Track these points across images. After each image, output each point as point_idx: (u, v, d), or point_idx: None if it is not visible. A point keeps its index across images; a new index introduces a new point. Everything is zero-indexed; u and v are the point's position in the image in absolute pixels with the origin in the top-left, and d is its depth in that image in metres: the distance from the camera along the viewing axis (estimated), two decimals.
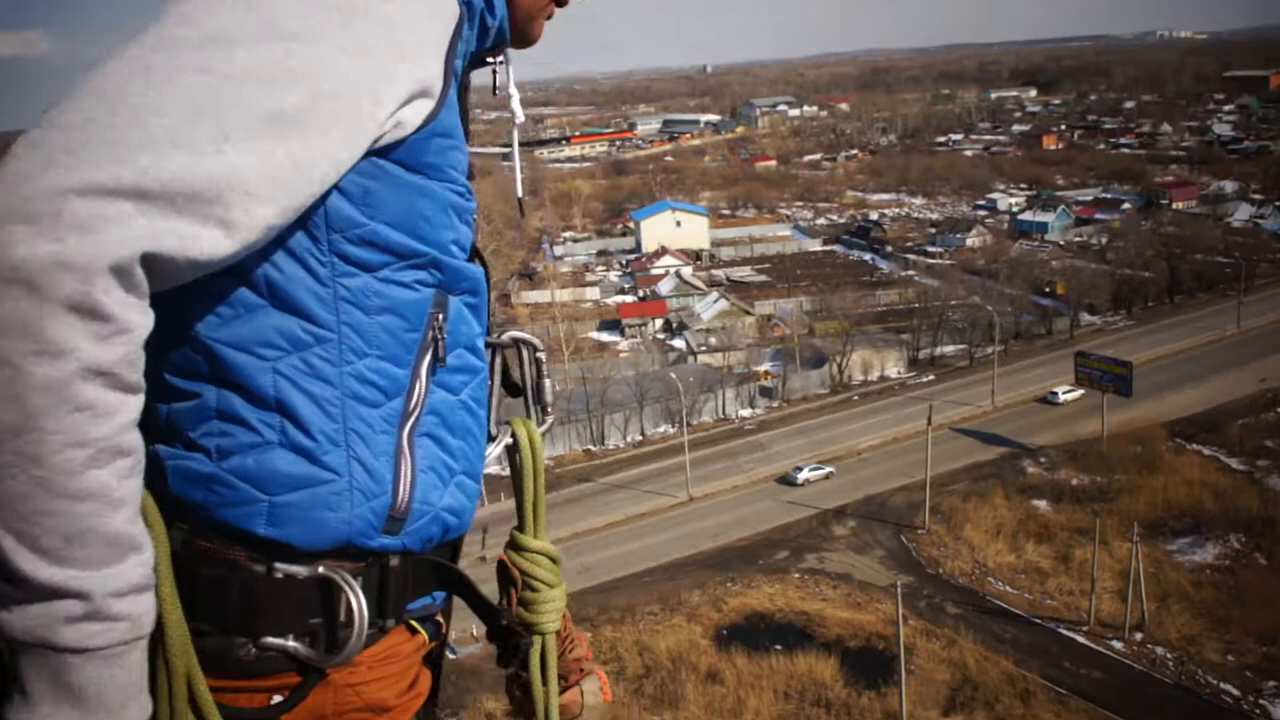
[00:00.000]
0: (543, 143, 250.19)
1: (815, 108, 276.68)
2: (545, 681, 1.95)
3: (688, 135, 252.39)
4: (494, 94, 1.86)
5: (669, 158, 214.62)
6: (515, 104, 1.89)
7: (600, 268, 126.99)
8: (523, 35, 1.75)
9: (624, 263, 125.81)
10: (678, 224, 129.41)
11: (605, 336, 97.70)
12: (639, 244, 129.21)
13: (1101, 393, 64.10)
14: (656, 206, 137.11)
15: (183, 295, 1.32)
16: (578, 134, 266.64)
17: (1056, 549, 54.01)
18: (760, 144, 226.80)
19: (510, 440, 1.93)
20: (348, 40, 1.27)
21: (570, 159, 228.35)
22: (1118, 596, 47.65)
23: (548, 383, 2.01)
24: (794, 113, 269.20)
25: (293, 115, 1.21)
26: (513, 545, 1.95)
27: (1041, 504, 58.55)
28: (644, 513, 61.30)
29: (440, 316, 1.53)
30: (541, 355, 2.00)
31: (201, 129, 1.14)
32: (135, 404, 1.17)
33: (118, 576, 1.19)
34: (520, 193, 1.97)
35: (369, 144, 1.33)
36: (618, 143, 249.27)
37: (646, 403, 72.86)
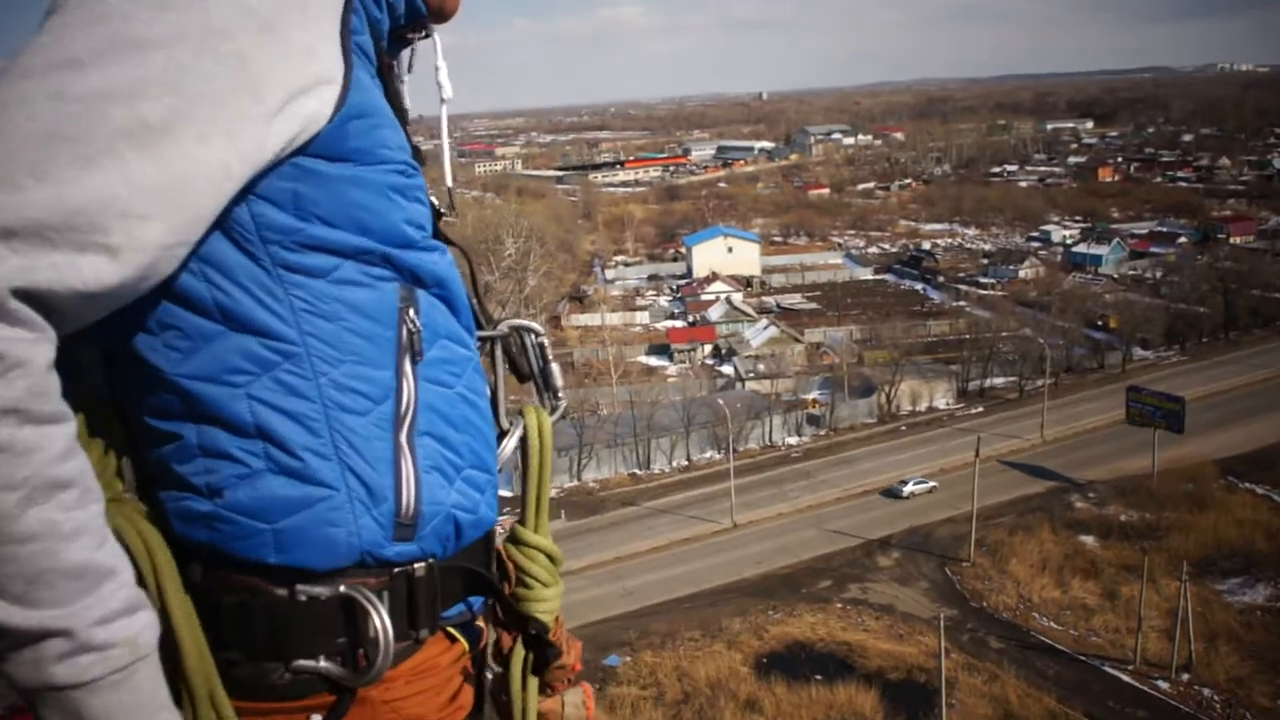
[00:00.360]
0: (597, 166, 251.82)
1: (870, 136, 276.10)
2: (525, 685, 1.89)
3: (741, 162, 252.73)
4: (409, 70, 1.75)
5: (722, 184, 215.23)
6: (443, 77, 1.81)
7: (651, 292, 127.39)
8: (438, 10, 1.67)
9: (675, 288, 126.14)
10: (729, 250, 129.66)
11: (654, 361, 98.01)
12: (690, 269, 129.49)
13: (1153, 429, 63.42)
14: (708, 232, 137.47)
15: (138, 336, 1.33)
16: (632, 158, 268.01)
17: (1103, 585, 53.45)
18: (814, 172, 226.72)
19: (522, 432, 1.89)
20: (211, 40, 1.21)
21: (624, 183, 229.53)
22: (1165, 636, 47.05)
23: (554, 368, 1.98)
24: (848, 141, 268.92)
25: (159, 127, 1.16)
26: (511, 538, 1.89)
27: (1089, 539, 57.98)
28: (687, 538, 61.25)
29: (411, 311, 1.48)
30: (544, 340, 1.98)
31: (60, 156, 1.10)
32: (62, 433, 1.15)
33: (97, 605, 1.17)
34: (450, 182, 1.87)
35: (269, 143, 1.27)
36: (671, 168, 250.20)
37: (693, 428, 72.96)
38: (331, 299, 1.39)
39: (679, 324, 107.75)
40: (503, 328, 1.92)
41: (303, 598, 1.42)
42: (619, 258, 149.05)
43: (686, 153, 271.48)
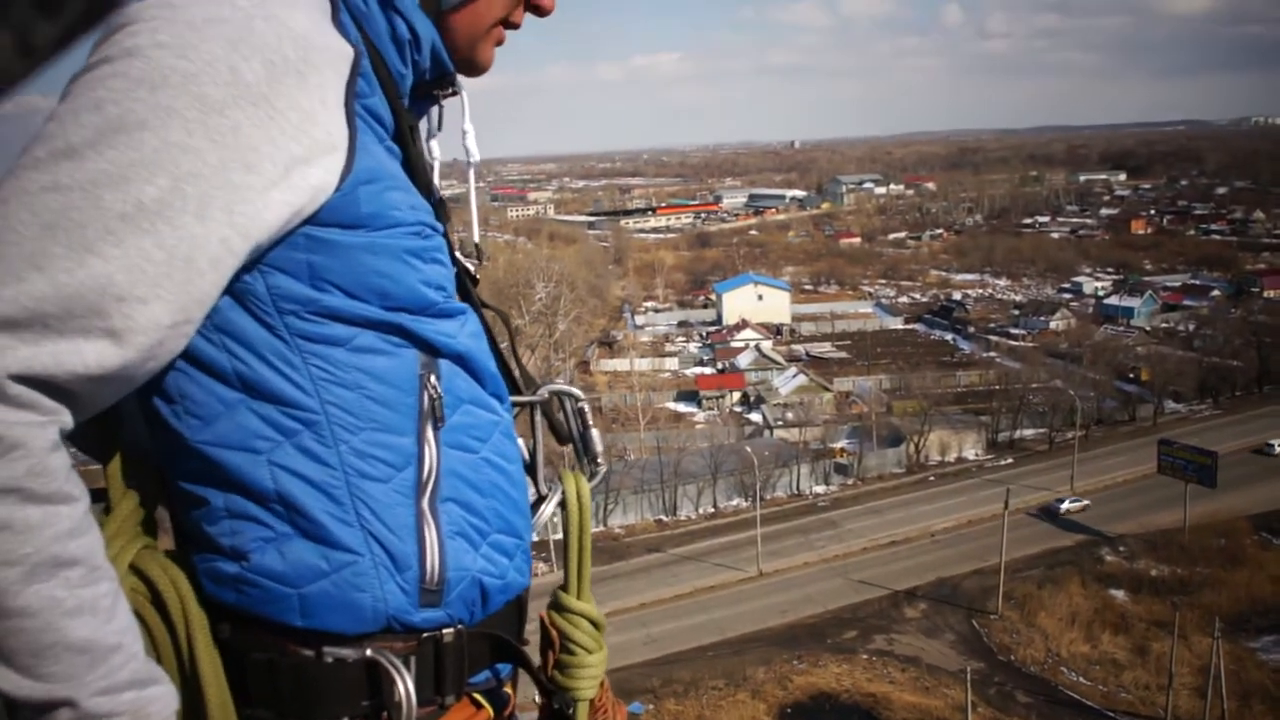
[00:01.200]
0: (629, 212, 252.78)
1: (901, 186, 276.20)
2: None
3: (773, 210, 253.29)
4: (439, 128, 1.76)
5: (753, 231, 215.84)
6: (470, 141, 1.83)
7: (680, 338, 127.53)
8: (468, 63, 1.65)
9: (704, 334, 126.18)
10: (759, 298, 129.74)
11: (682, 407, 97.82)
12: (720, 316, 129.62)
13: (1185, 483, 62.77)
14: (739, 279, 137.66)
15: (161, 403, 1.36)
16: (664, 205, 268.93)
17: (1134, 641, 52.84)
18: (845, 221, 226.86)
19: (561, 496, 1.89)
20: (203, 116, 1.21)
21: (655, 229, 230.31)
22: (1197, 693, 46.33)
23: (594, 433, 1.97)
24: (880, 190, 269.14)
25: (154, 208, 1.18)
26: (555, 605, 1.89)
27: (1119, 594, 57.37)
28: (713, 586, 60.90)
29: (432, 376, 1.47)
30: (584, 406, 1.97)
31: (58, 246, 1.13)
32: (69, 513, 1.17)
33: (104, 677, 1.21)
34: (477, 238, 1.87)
35: (269, 216, 1.28)
36: (703, 215, 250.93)
37: (720, 475, 72.77)
38: (351, 367, 1.39)
39: (708, 371, 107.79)
40: (543, 392, 1.91)
41: (329, 659, 1.42)
42: (649, 303, 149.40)
43: (718, 200, 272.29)
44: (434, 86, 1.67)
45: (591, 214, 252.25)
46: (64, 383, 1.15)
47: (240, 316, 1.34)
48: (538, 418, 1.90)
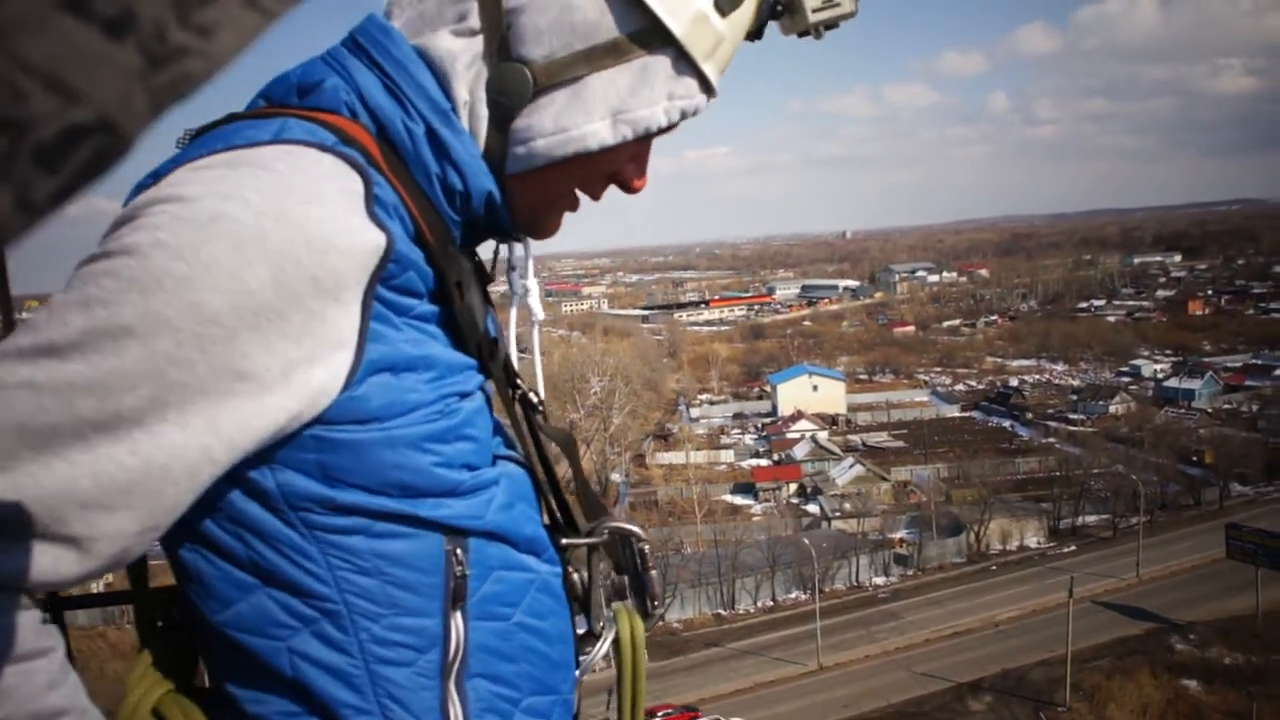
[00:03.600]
0: (682, 305, 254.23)
1: (954, 273, 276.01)
2: None
3: (826, 300, 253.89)
4: (491, 279, 1.69)
5: (807, 322, 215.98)
6: (533, 300, 1.76)
7: (735, 430, 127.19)
8: (528, 229, 1.59)
9: (759, 426, 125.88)
10: (814, 388, 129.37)
11: (739, 499, 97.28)
12: (775, 407, 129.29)
13: (1256, 567, 61.36)
14: (793, 370, 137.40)
15: (183, 582, 1.35)
16: (717, 297, 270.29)
17: None
18: (899, 309, 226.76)
19: (614, 635, 1.83)
20: (196, 325, 1.13)
21: (708, 322, 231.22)
22: None
23: (653, 575, 1.85)
24: (933, 279, 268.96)
25: (132, 417, 1.11)
26: None
27: (1192, 684, 55.73)
28: (772, 680, 59.98)
29: (459, 552, 1.40)
30: (645, 546, 1.84)
31: (25, 448, 1.07)
32: (44, 665, 1.14)
33: None
34: (542, 394, 1.80)
35: (259, 423, 1.20)
36: (756, 307, 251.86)
37: (778, 567, 72.13)
38: (371, 554, 1.33)
39: (764, 462, 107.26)
40: (603, 532, 1.82)
41: None
42: (704, 396, 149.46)
43: (771, 291, 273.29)
44: (491, 234, 1.61)
45: (645, 307, 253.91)
46: (21, 585, 1.10)
47: (253, 509, 1.29)
48: (595, 560, 1.81)
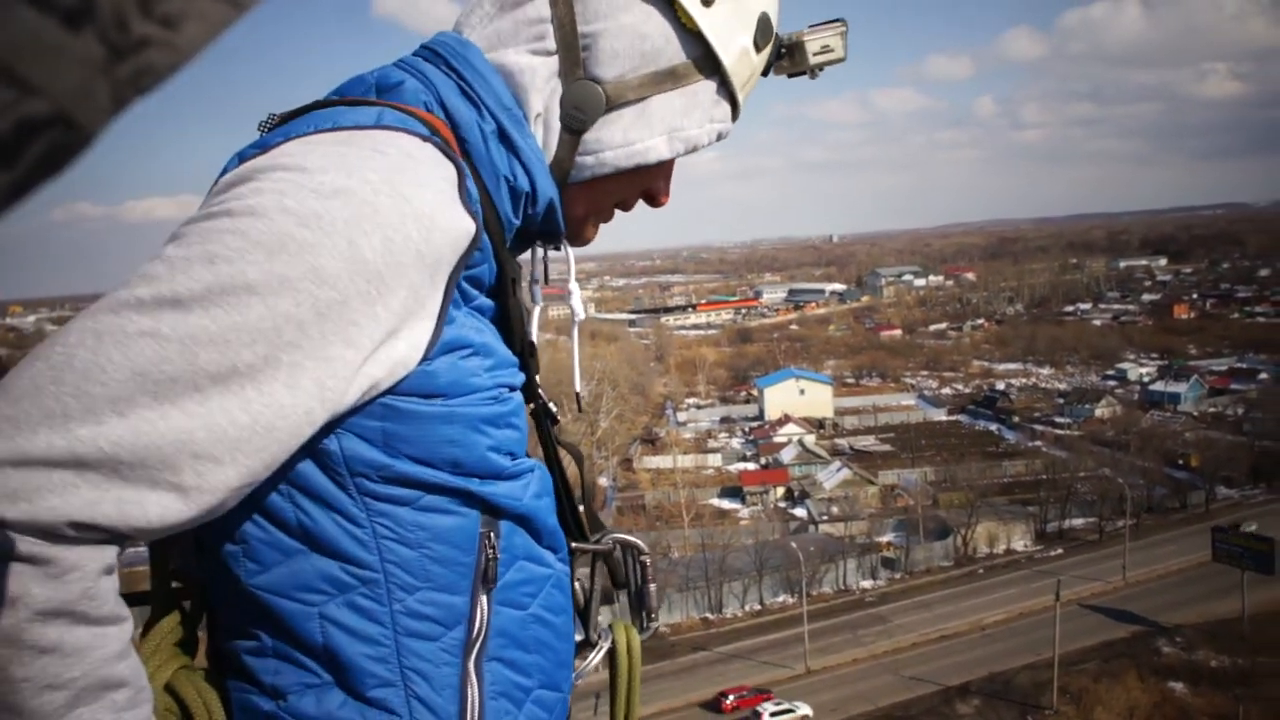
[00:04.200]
0: (669, 309, 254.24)
1: (941, 277, 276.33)
2: None
3: (813, 304, 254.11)
4: (545, 282, 1.82)
5: (794, 326, 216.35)
6: (575, 301, 1.87)
7: (723, 434, 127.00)
8: (572, 234, 1.73)
9: (747, 430, 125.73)
10: (801, 392, 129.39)
11: (726, 504, 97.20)
12: (762, 411, 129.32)
13: (1241, 570, 61.49)
14: (780, 374, 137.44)
15: (222, 543, 1.37)
16: (704, 301, 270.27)
17: None
18: (885, 313, 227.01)
19: (610, 645, 1.90)
20: (315, 289, 1.20)
21: (696, 326, 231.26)
22: None
23: (652, 588, 1.97)
24: (919, 282, 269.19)
25: (247, 373, 1.17)
26: None
27: (1178, 686, 55.84)
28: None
29: (492, 535, 1.47)
30: (646, 560, 1.96)
31: (144, 393, 1.11)
32: (117, 634, 1.16)
33: None
34: (579, 388, 1.95)
35: (353, 390, 1.28)
36: (743, 310, 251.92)
37: (766, 571, 72.10)
38: (415, 526, 1.39)
39: (751, 466, 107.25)
40: (607, 541, 1.90)
41: None
42: (691, 400, 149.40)
43: (758, 295, 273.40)
44: (540, 237, 1.72)
45: (632, 312, 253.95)
46: (122, 530, 1.13)
47: (312, 472, 1.34)
48: (598, 568, 1.89)
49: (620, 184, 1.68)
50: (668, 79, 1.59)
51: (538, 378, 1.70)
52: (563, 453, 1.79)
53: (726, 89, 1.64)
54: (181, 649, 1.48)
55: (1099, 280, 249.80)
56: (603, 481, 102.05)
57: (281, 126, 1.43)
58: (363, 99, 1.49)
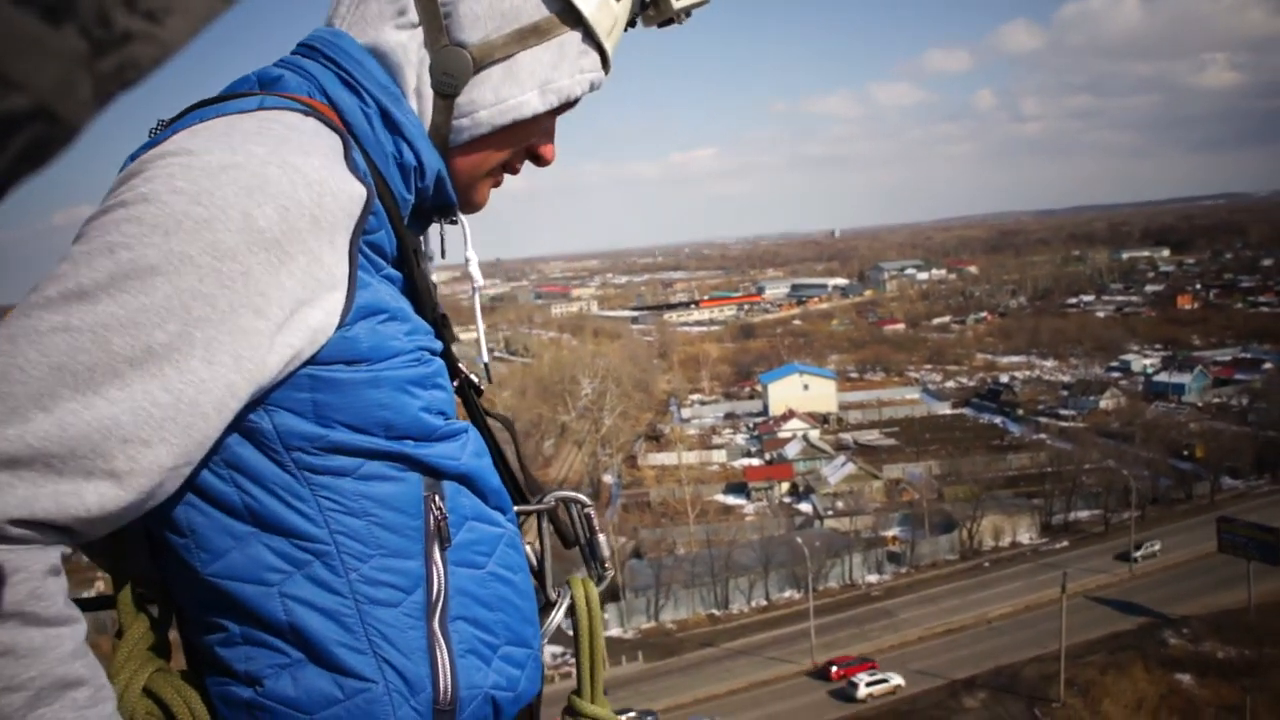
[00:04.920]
0: (672, 306, 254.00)
1: (944, 271, 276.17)
2: None
3: (816, 299, 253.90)
4: (442, 256, 1.84)
5: (797, 321, 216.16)
6: (473, 268, 1.89)
7: (727, 430, 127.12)
8: (464, 200, 1.74)
9: (751, 425, 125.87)
10: (805, 387, 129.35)
11: (731, 499, 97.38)
12: (766, 407, 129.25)
13: (1247, 561, 61.46)
14: (784, 370, 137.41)
15: (171, 536, 1.39)
16: (706, 298, 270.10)
17: None
18: (888, 307, 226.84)
19: (569, 602, 1.93)
20: (216, 262, 1.24)
21: (698, 322, 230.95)
22: None
23: (601, 538, 2.02)
24: (922, 276, 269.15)
25: (162, 353, 1.20)
26: (569, 710, 1.93)
27: (1185, 678, 55.81)
28: (767, 679, 60.13)
29: (437, 497, 1.51)
30: (590, 511, 2.02)
31: (65, 387, 1.14)
32: (70, 634, 1.18)
33: None
34: (485, 358, 1.95)
35: (272, 359, 1.31)
36: (746, 306, 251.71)
37: (772, 567, 72.23)
38: (358, 496, 1.42)
39: (756, 462, 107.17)
40: (549, 499, 1.95)
41: None
42: (695, 396, 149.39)
43: (760, 291, 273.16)
44: (435, 212, 1.74)
45: (635, 309, 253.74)
46: (62, 523, 1.15)
47: (249, 453, 1.37)
48: (545, 525, 1.94)
49: (500, 142, 1.68)
50: (531, 34, 1.61)
51: (454, 349, 1.73)
52: (494, 423, 1.82)
53: (592, 39, 1.65)
54: (155, 653, 1.49)
55: (1101, 272, 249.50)
56: (607, 479, 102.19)
57: (169, 127, 1.44)
58: (246, 92, 1.51)
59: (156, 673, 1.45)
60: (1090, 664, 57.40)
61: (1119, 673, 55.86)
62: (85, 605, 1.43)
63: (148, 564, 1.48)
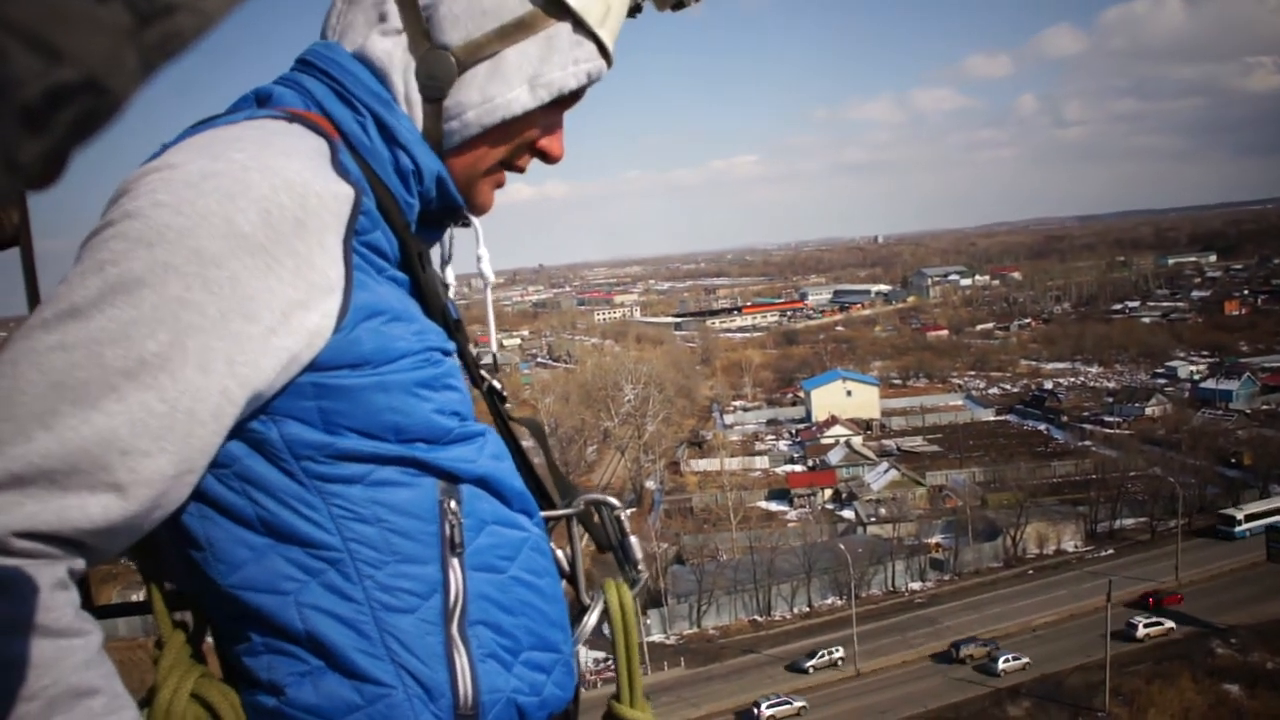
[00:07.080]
0: (714, 313, 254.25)
1: (987, 277, 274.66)
2: None
3: (858, 305, 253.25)
4: (449, 258, 1.87)
5: (840, 327, 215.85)
6: (485, 266, 1.93)
7: (770, 436, 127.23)
8: (468, 205, 1.74)
9: (794, 432, 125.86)
10: (848, 393, 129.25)
11: (774, 506, 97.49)
12: (809, 413, 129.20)
13: None
14: (827, 376, 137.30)
15: (190, 551, 1.40)
16: (749, 304, 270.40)
17: None
18: (932, 314, 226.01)
19: (604, 606, 1.93)
20: (201, 270, 1.24)
21: (741, 328, 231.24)
22: None
23: (632, 540, 2.01)
24: (965, 282, 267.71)
25: (156, 363, 1.20)
26: (609, 716, 1.93)
27: (1233, 688, 55.37)
28: (809, 686, 60.06)
29: (452, 502, 1.51)
30: (620, 514, 2.03)
31: (64, 402, 1.15)
32: (81, 645, 1.18)
33: None
34: (494, 348, 2.03)
35: (267, 363, 1.30)
36: (789, 313, 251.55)
37: (814, 573, 72.30)
38: (370, 502, 1.42)
39: (799, 468, 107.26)
40: (578, 503, 1.97)
41: None
42: (737, 403, 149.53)
43: (803, 297, 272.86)
44: (445, 216, 1.74)
45: (677, 315, 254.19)
46: (68, 536, 1.16)
47: (259, 464, 1.37)
48: (575, 528, 1.97)
49: (494, 141, 1.65)
50: (516, 30, 1.58)
51: (471, 348, 1.73)
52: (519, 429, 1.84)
53: (584, 29, 1.61)
54: (196, 660, 1.50)
55: (1147, 278, 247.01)
56: (650, 485, 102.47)
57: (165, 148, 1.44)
58: (240, 109, 1.53)
59: (201, 678, 1.46)
60: (1136, 673, 57.05)
61: (1165, 683, 55.46)
62: (112, 612, 1.51)
63: (184, 577, 1.49)
